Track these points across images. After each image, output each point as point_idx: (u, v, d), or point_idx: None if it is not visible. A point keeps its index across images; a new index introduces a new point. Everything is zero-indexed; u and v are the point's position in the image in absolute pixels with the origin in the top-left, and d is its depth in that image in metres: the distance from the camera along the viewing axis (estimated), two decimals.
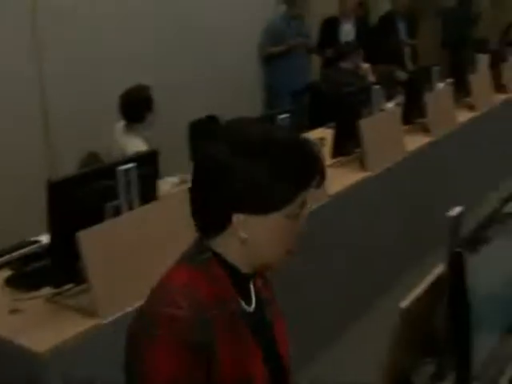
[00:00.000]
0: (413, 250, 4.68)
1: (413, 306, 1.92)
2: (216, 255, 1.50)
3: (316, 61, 8.10)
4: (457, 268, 1.72)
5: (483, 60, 7.61)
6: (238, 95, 7.01)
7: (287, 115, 3.63)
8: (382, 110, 4.95)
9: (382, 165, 4.49)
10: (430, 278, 2.04)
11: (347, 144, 4.48)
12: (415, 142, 5.11)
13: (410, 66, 8.56)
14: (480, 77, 6.76)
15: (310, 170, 1.47)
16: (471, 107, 6.36)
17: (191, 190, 1.51)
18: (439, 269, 2.04)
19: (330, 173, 4.03)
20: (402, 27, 8.77)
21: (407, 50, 8.80)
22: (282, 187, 1.43)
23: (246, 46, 7.38)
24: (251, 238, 1.46)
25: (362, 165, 4.40)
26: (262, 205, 1.44)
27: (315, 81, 7.67)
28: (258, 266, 1.54)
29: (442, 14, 10.60)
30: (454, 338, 1.77)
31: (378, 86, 4.81)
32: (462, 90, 6.39)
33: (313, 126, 5.46)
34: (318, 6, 8.46)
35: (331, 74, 7.01)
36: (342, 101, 4.58)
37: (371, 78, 6.89)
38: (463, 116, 6.07)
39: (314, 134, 5.11)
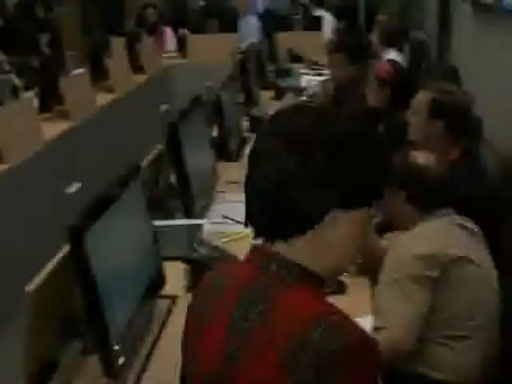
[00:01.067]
0: None
1: (41, 289, 1.91)
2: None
3: None
4: (77, 244, 1.73)
5: (119, 43, 7.76)
6: None
7: None
8: None
9: (20, 157, 4.38)
10: (56, 259, 2.03)
11: None
12: (55, 129, 5.05)
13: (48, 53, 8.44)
14: (117, 59, 6.88)
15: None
16: (110, 90, 6.44)
17: (273, 180, 1.27)
18: (65, 248, 2.04)
19: None
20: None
21: (45, 37, 8.66)
22: (382, 177, 1.36)
23: None
24: (339, 237, 1.30)
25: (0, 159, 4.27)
26: (366, 197, 1.32)
27: None
28: (334, 273, 1.38)
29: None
30: (88, 313, 1.78)
31: (8, 76, 4.68)
32: (100, 73, 6.46)
33: None
34: None
35: None
36: None
37: (8, 69, 6.69)
38: (103, 99, 6.13)
39: None
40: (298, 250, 1.30)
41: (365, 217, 1.33)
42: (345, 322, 1.24)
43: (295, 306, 1.26)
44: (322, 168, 1.26)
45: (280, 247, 1.31)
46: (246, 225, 1.35)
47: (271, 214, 1.29)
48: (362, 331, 1.24)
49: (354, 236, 1.33)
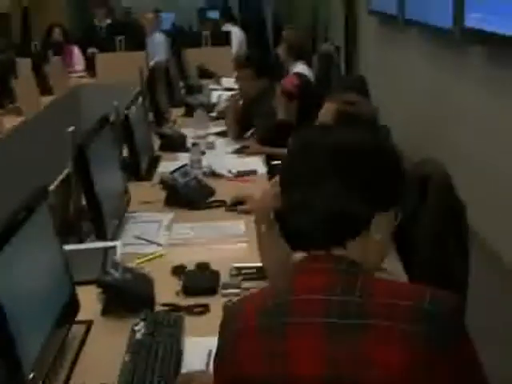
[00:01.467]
0: None
1: None
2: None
3: None
4: None
5: (25, 64, 7.62)
6: None
7: None
8: None
9: None
10: None
11: None
12: None
13: None
14: (23, 81, 6.75)
15: None
16: (18, 113, 6.31)
17: (328, 190, 1.41)
18: None
19: None
20: None
21: None
22: (402, 177, 1.53)
23: None
24: (382, 235, 1.46)
25: None
26: (394, 197, 1.49)
27: None
28: (376, 267, 1.54)
29: None
30: None
31: None
32: (6, 96, 6.34)
33: None
34: None
35: None
36: None
37: None
38: (10, 122, 6.01)
39: None
40: (353, 250, 1.44)
41: (393, 219, 1.50)
42: (433, 290, 1.37)
43: (385, 292, 1.37)
44: (362, 176, 1.42)
45: (338, 251, 1.44)
46: (291, 240, 1.48)
47: (329, 224, 1.42)
48: (447, 291, 1.39)
49: (390, 233, 1.51)
